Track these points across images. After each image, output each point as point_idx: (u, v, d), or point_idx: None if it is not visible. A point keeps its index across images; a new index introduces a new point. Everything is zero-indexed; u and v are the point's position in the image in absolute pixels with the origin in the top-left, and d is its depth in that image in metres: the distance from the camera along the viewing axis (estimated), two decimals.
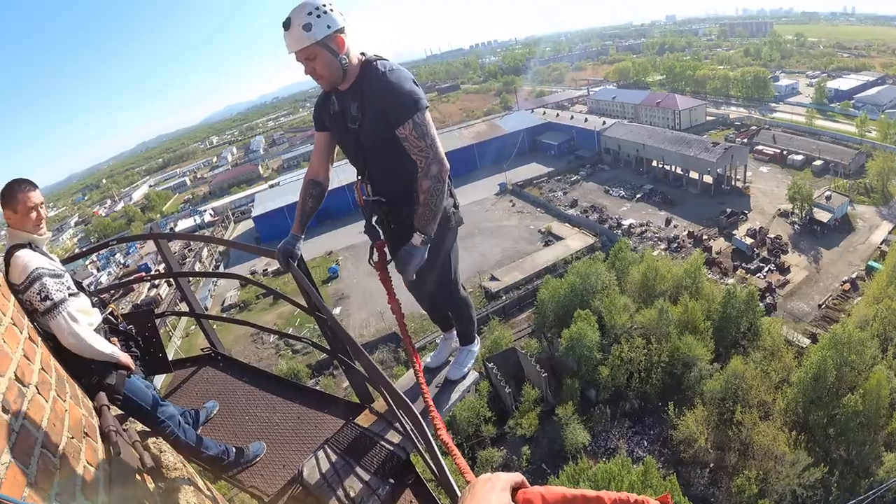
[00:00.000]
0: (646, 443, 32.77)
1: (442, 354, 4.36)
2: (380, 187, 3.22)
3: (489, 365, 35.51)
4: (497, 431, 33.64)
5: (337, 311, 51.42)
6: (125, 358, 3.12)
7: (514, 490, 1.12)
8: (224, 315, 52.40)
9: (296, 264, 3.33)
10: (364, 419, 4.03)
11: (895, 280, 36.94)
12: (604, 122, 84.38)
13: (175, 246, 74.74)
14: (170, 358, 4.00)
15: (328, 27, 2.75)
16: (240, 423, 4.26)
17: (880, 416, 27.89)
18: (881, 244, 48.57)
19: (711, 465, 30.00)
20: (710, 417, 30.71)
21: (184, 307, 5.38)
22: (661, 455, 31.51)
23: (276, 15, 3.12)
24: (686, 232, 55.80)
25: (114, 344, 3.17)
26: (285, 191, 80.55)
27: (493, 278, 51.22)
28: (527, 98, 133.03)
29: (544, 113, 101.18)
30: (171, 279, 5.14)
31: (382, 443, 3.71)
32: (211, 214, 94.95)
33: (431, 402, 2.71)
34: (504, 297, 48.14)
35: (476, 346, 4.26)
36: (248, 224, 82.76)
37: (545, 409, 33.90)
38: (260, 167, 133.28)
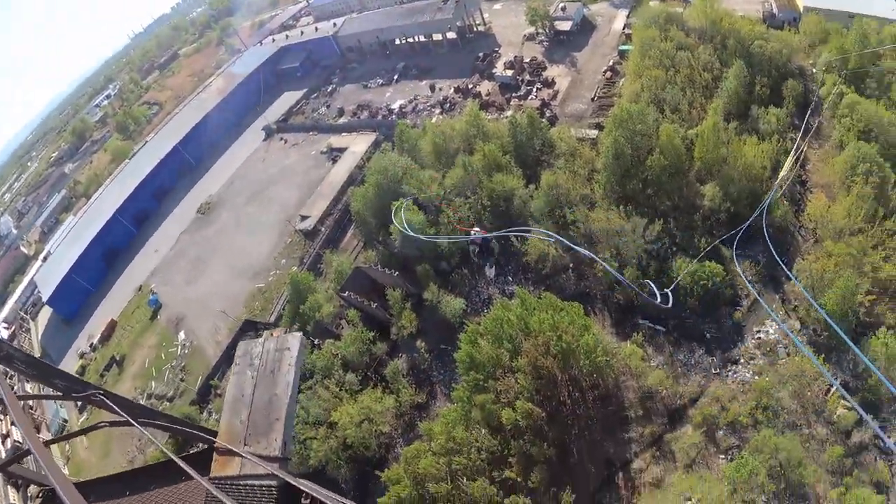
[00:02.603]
0: (510, 278, 35.74)
1: None
2: None
3: (345, 294, 35.54)
4: (388, 344, 34.75)
5: (182, 335, 47.55)
6: None
7: None
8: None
9: None
10: (221, 464, 3.66)
11: (647, 53, 41.61)
12: (335, 24, 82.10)
13: None
14: None
15: None
16: None
17: (682, 161, 32.90)
18: (624, 29, 54.22)
19: (570, 265, 33.80)
20: (550, 229, 33.66)
21: None
22: (527, 281, 34.81)
23: None
24: (452, 90, 58.01)
25: None
26: (62, 254, 68.14)
27: (303, 217, 50.34)
28: (250, 34, 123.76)
29: (273, 40, 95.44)
30: None
31: (251, 483, 3.46)
32: (5, 327, 78.59)
33: None
34: (323, 228, 47.85)
35: None
36: (48, 311, 68.68)
37: (414, 301, 35.28)
38: (22, 247, 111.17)
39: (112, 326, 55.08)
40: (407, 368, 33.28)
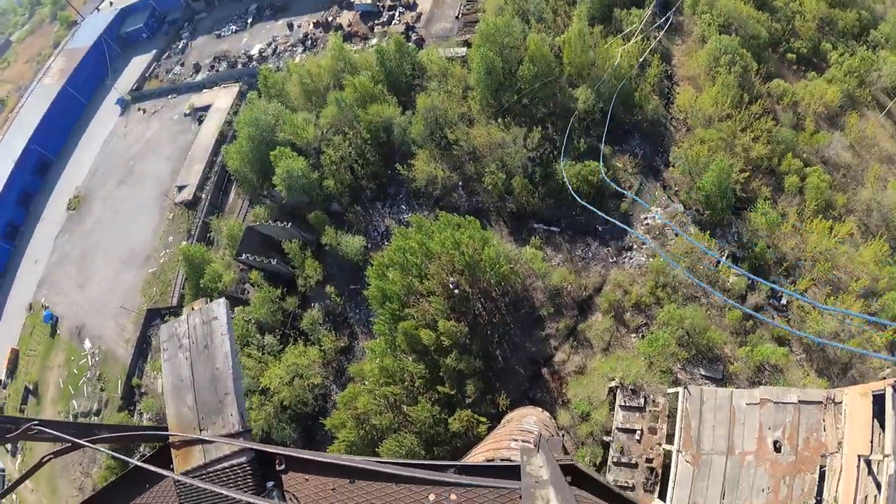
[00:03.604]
0: (404, 206, 35.73)
1: None
2: None
3: (242, 257, 34.38)
4: (298, 297, 34.25)
5: (87, 343, 44.67)
6: None
7: None
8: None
9: None
10: (182, 459, 3.40)
11: None
12: None
13: None
14: None
15: None
16: None
17: (552, 69, 33.34)
18: None
19: (460, 183, 34.18)
20: (434, 152, 34.16)
21: None
22: (419, 207, 34.87)
23: None
24: (311, 25, 54.96)
25: None
26: None
27: (180, 188, 47.38)
28: (85, 1, 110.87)
29: (112, 3, 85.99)
30: None
31: (222, 466, 3.21)
32: None
33: None
34: (204, 195, 45.45)
35: None
36: None
37: (313, 248, 34.73)
38: None
39: (15, 356, 50.76)
40: (322, 316, 33.14)
